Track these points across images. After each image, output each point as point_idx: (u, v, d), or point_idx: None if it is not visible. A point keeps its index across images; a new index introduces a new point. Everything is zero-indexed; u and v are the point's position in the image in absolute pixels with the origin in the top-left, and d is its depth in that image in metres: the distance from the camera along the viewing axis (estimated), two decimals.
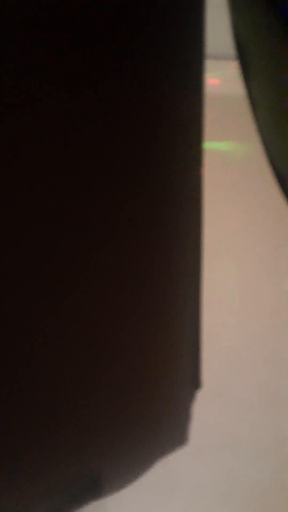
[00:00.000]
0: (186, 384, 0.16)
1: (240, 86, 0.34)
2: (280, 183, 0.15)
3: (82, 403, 0.14)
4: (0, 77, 0.12)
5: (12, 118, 0.12)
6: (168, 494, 0.28)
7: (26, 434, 0.13)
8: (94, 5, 0.13)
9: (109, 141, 0.13)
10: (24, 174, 0.12)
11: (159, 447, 0.16)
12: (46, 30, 0.12)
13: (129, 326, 0.14)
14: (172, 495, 0.28)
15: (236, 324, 0.33)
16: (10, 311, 0.13)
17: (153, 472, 0.28)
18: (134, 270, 0.14)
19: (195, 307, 0.17)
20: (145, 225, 0.14)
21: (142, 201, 0.14)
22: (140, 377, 0.15)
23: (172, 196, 0.15)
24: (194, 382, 0.17)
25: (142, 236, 0.14)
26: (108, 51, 0.13)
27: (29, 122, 0.12)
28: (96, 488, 0.15)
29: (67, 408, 0.14)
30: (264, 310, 0.35)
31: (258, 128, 0.15)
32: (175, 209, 0.15)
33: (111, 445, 0.15)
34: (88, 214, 0.13)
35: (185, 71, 0.15)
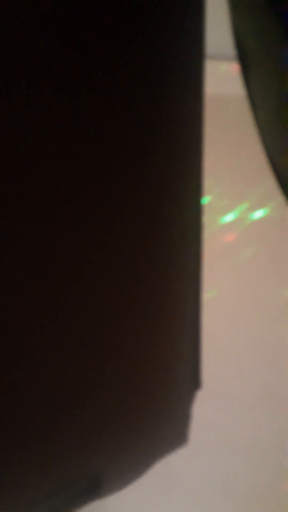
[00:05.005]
0: (186, 384, 0.16)
1: (240, 86, 0.34)
2: (280, 183, 0.15)
3: (82, 403, 0.14)
4: (1, 77, 0.12)
5: (13, 118, 0.12)
6: (168, 494, 0.28)
7: (26, 434, 0.13)
8: (94, 6, 0.13)
9: (109, 141, 0.13)
10: (24, 173, 0.12)
11: (159, 447, 0.16)
12: (45, 32, 0.12)
13: (129, 326, 0.14)
14: (172, 495, 0.28)
15: (236, 325, 0.33)
16: (10, 309, 0.13)
17: (153, 472, 0.28)
18: (133, 271, 0.14)
19: (195, 307, 0.17)
20: (146, 225, 0.14)
21: (142, 201, 0.14)
22: (140, 377, 0.15)
23: (172, 196, 0.15)
24: (194, 382, 0.17)
25: (142, 237, 0.14)
26: (108, 51, 0.13)
27: (29, 122, 0.12)
28: (96, 488, 0.15)
29: (67, 408, 0.14)
30: (264, 310, 0.35)
31: (258, 128, 0.15)
32: (175, 209, 0.15)
33: (111, 445, 0.15)
34: (89, 213, 0.13)
35: (185, 71, 0.15)
